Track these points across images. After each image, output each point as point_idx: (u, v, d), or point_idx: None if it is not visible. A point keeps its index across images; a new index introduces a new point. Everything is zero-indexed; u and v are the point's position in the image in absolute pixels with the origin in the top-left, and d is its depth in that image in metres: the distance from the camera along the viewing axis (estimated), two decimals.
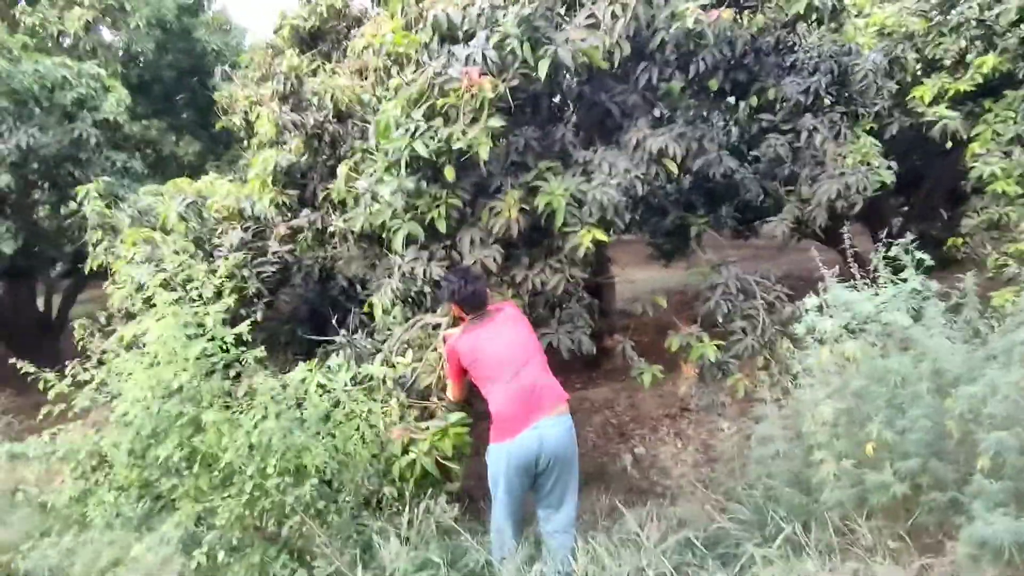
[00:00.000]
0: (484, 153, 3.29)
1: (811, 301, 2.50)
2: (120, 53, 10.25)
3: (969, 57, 5.55)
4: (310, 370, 3.06)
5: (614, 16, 3.58)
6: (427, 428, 3.30)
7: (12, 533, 3.65)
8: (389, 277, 3.85)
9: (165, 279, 3.95)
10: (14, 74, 7.12)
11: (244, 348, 3.07)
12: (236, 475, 2.71)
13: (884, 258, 2.52)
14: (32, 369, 3.30)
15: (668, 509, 3.45)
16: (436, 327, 3.70)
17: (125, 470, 2.96)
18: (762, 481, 3.16)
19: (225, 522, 2.68)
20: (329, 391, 3.08)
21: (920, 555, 2.41)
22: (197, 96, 11.86)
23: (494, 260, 3.60)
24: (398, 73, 4.12)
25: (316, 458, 2.77)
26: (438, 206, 3.61)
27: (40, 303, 10.86)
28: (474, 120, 3.32)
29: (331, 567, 2.70)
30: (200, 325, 3.05)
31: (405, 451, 3.23)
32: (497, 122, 3.34)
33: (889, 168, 4.52)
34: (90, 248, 5.61)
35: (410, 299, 3.84)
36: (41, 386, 3.35)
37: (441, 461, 3.25)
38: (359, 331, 4.08)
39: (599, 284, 6.44)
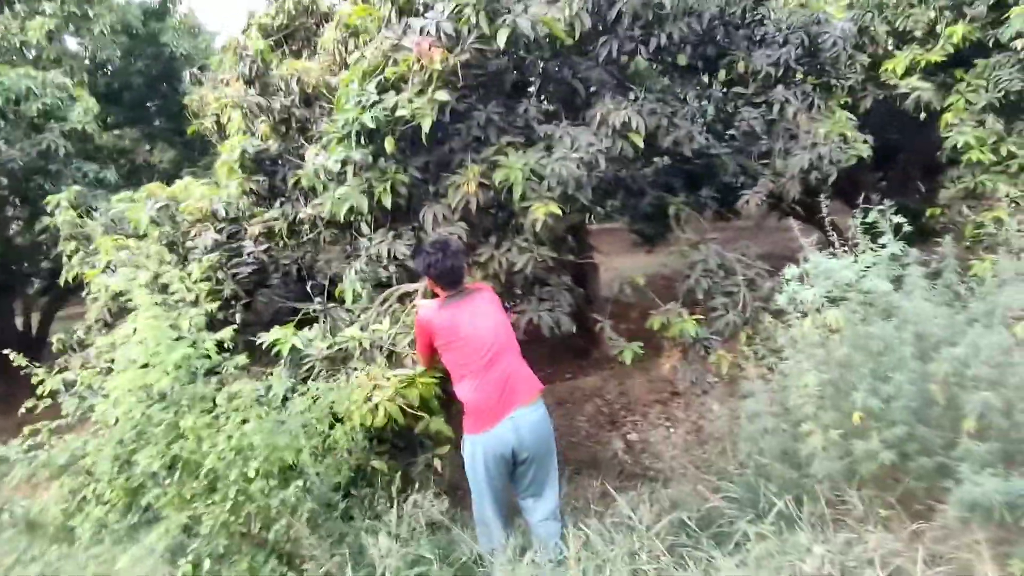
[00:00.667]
0: (426, 124, 3.26)
1: (792, 271, 2.48)
2: (86, 61, 10.06)
3: (939, 27, 5.56)
4: (286, 333, 3.00)
5: None
6: (392, 377, 3.23)
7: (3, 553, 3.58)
8: (356, 260, 3.79)
9: (143, 285, 3.89)
10: None
11: (227, 354, 3.01)
12: (219, 481, 2.65)
13: (862, 224, 2.51)
14: (24, 361, 3.22)
15: (661, 492, 3.44)
16: (410, 295, 3.66)
17: (110, 481, 2.90)
18: (753, 458, 3.14)
19: (210, 529, 2.62)
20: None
21: (911, 521, 2.41)
22: (169, 102, 11.68)
23: (459, 237, 3.57)
24: (357, 48, 4.07)
25: (300, 455, 2.71)
26: (385, 180, 3.56)
27: (19, 322, 10.68)
28: (421, 92, 3.29)
29: (321, 569, 2.66)
30: (175, 328, 2.99)
31: (369, 397, 3.15)
32: (444, 95, 3.30)
33: (865, 142, 4.52)
34: (64, 260, 5.51)
35: (380, 283, 3.79)
36: (33, 379, 3.27)
37: (407, 409, 3.16)
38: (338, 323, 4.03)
39: (582, 270, 6.42)
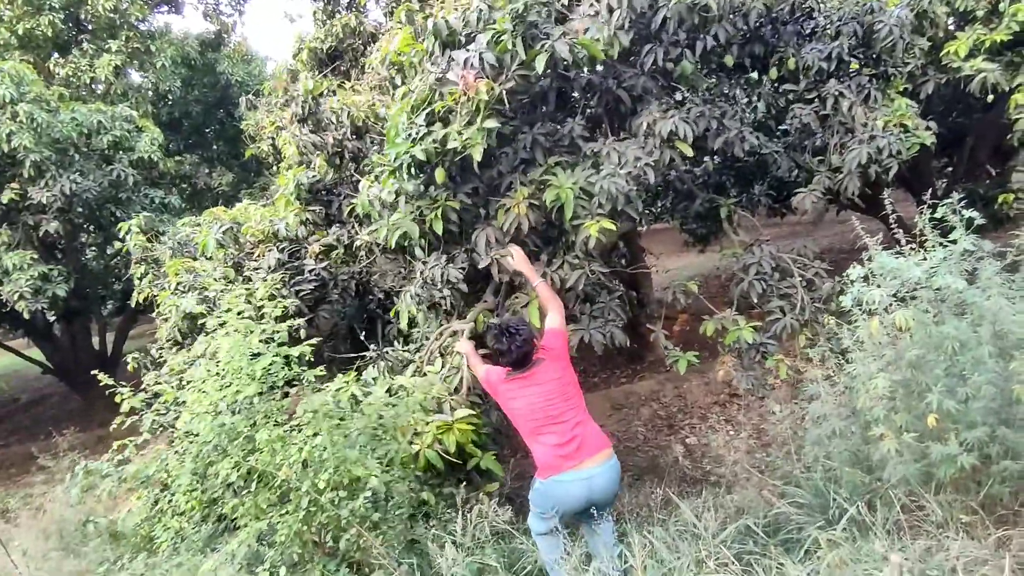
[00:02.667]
0: (477, 154, 3.31)
1: (855, 272, 2.41)
2: (149, 93, 10.63)
3: (1002, 6, 5.31)
4: (347, 381, 3.10)
5: (610, 8, 3.56)
6: (430, 422, 3.31)
7: (85, 563, 3.80)
8: (411, 284, 3.89)
9: (207, 300, 4.08)
10: (53, 124, 7.43)
11: (306, 367, 3.14)
12: (292, 492, 2.76)
13: (930, 219, 2.42)
14: (110, 381, 3.43)
15: (724, 498, 3.38)
16: (459, 333, 3.75)
17: (187, 492, 3.05)
18: (820, 462, 3.06)
19: (285, 538, 2.72)
20: (368, 404, 3.13)
21: (996, 527, 2.30)
22: (225, 127, 12.21)
23: (510, 259, 3.60)
24: (403, 82, 4.17)
25: (368, 470, 2.79)
26: (436, 208, 3.63)
27: (96, 341, 11.30)
28: (470, 123, 3.35)
29: None
30: (267, 342, 3.14)
31: (411, 442, 3.25)
32: (492, 123, 3.35)
33: (928, 128, 4.34)
34: (136, 282, 5.81)
35: (435, 304, 3.86)
36: (117, 398, 3.48)
37: (445, 456, 3.25)
38: (394, 342, 4.13)
39: (634, 276, 6.37)
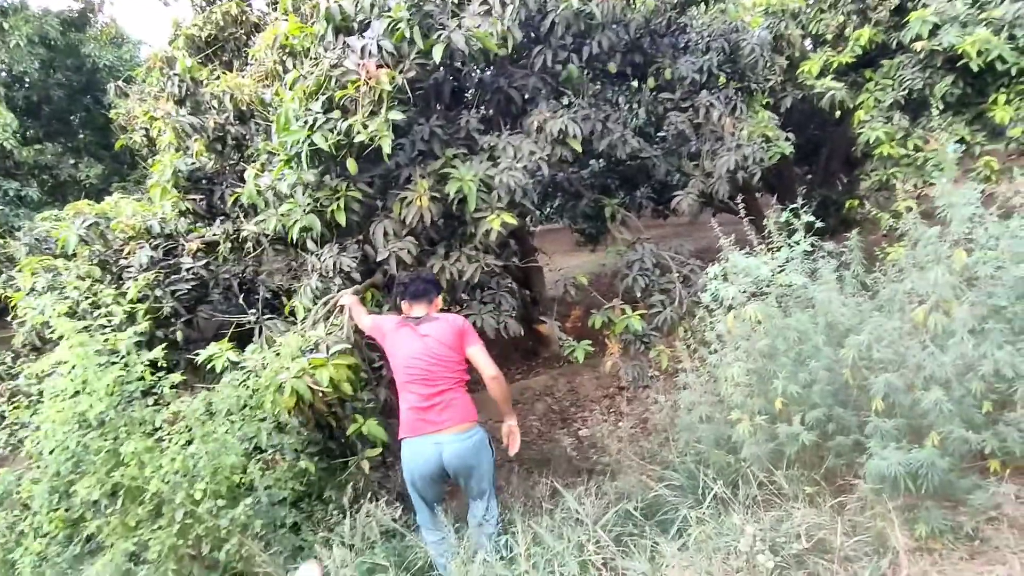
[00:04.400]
0: (387, 146, 3.31)
1: (714, 270, 2.63)
2: (2, 74, 9.58)
3: (848, 31, 5.93)
4: (220, 348, 2.99)
5: (503, 3, 3.66)
6: (303, 356, 3.24)
7: None
8: (308, 278, 3.81)
9: (71, 307, 3.77)
10: None
11: (164, 373, 2.97)
12: (165, 505, 2.63)
13: (781, 223, 2.69)
14: None
15: (608, 485, 3.56)
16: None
17: (48, 513, 2.82)
18: (691, 447, 3.31)
19: (158, 555, 2.59)
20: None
21: (833, 496, 2.60)
22: (93, 115, 11.23)
23: (408, 252, 3.62)
24: (295, 66, 4.06)
25: (247, 472, 2.71)
26: (337, 199, 3.60)
27: None
28: (373, 113, 3.33)
29: None
30: (114, 352, 2.93)
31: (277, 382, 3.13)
32: (397, 115, 3.36)
33: (787, 139, 4.79)
34: None
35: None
36: None
37: (315, 388, 3.13)
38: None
39: (527, 272, 6.53)
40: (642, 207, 5.74)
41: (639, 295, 4.35)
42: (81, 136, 11.51)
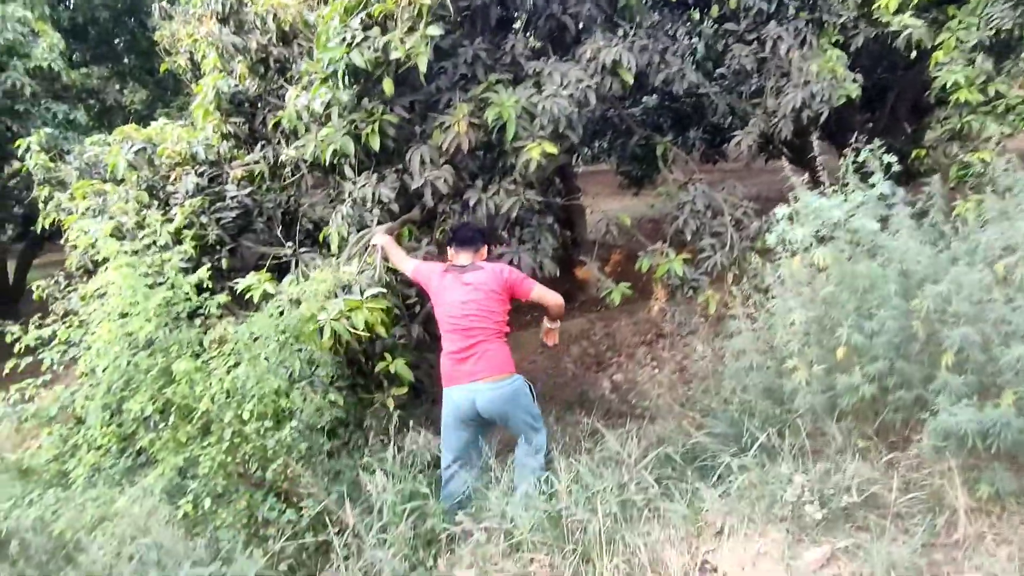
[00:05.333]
0: (423, 64, 3.19)
1: (782, 210, 2.49)
2: None
3: None
4: (259, 279, 3.01)
5: None
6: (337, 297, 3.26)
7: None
8: (342, 204, 3.76)
9: (118, 229, 3.81)
10: None
11: (208, 295, 3.00)
12: (214, 423, 2.68)
13: (853, 163, 2.51)
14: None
15: (647, 428, 3.54)
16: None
17: (101, 428, 2.91)
18: (737, 395, 3.23)
19: (208, 470, 2.66)
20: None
21: (887, 451, 2.51)
22: (138, 39, 11.16)
23: (444, 181, 3.53)
24: None
25: (292, 401, 2.74)
26: (372, 122, 3.49)
27: None
28: (412, 29, 3.19)
29: (319, 506, 2.72)
30: (160, 274, 2.96)
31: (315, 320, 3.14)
32: (436, 30, 3.21)
33: (855, 81, 4.46)
34: (40, 206, 5.35)
35: (365, 226, 3.77)
36: (8, 339, 3.23)
37: (355, 331, 3.17)
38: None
39: (569, 212, 6.39)
40: (694, 148, 5.51)
41: (689, 238, 4.21)
42: (126, 61, 11.48)
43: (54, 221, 5.23)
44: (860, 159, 2.56)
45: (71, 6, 10.46)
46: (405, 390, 3.44)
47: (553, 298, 3.16)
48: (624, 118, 5.16)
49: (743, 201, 4.29)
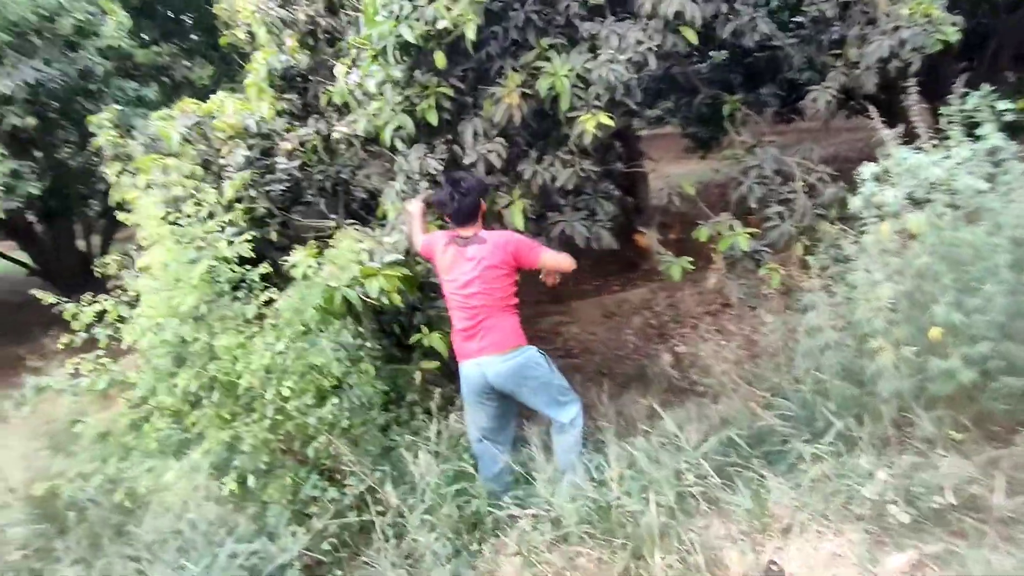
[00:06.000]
0: (471, 32, 3.01)
1: (870, 169, 2.17)
2: None
3: None
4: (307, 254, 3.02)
5: None
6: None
7: (78, 463, 3.74)
8: (394, 180, 3.65)
9: (172, 202, 3.83)
10: (7, 4, 6.85)
11: (250, 267, 2.96)
12: (256, 400, 2.65)
13: (959, 111, 2.15)
14: (53, 299, 3.24)
15: (709, 408, 3.31)
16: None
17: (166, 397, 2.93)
18: (810, 375, 2.95)
19: (252, 447, 2.64)
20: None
21: (988, 446, 2.21)
22: (203, 15, 11.38)
23: (497, 155, 3.35)
24: None
25: (334, 378, 2.68)
26: (427, 96, 3.35)
27: (82, 243, 11.07)
28: None
29: (362, 484, 2.67)
30: (211, 246, 2.94)
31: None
32: None
33: (954, 24, 3.94)
34: (113, 181, 5.53)
35: None
36: (67, 315, 3.30)
37: (366, 299, 3.10)
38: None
39: (632, 178, 6.08)
40: (766, 106, 5.08)
41: (754, 205, 3.86)
42: (193, 37, 11.75)
43: (124, 195, 5.39)
44: (964, 108, 2.20)
45: None
46: (436, 364, 3.34)
47: (564, 262, 3.04)
48: (689, 76, 4.78)
49: (818, 165, 3.89)
